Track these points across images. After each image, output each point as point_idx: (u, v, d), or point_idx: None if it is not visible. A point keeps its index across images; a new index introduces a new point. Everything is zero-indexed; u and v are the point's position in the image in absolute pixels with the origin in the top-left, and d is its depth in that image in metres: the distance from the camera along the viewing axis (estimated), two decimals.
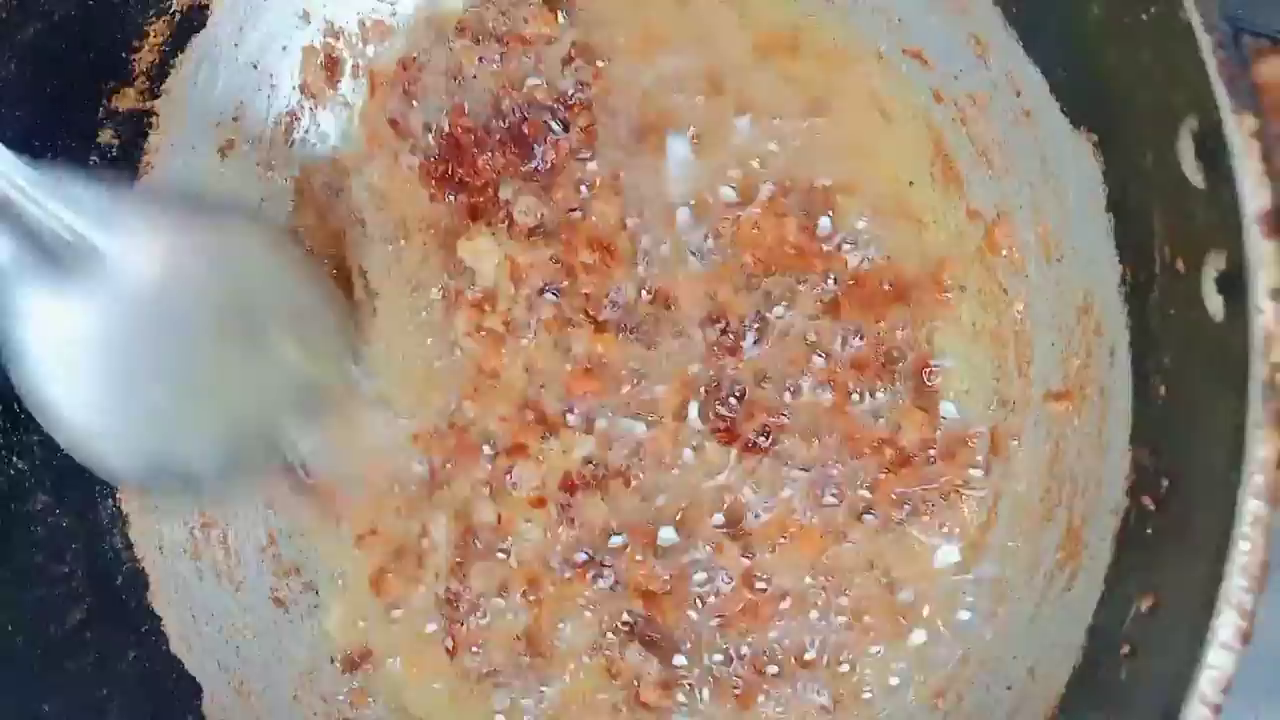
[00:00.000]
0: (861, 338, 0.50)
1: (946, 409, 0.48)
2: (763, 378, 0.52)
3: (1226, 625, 0.27)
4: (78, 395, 0.48)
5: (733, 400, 0.52)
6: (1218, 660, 0.27)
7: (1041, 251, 0.44)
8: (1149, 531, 0.34)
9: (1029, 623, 0.42)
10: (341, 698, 0.57)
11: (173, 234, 0.49)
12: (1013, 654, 0.42)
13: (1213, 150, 0.29)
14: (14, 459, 0.53)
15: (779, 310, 0.52)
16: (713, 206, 0.54)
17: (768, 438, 0.51)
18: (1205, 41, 0.29)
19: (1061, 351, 0.42)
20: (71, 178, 0.45)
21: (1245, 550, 0.27)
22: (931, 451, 0.48)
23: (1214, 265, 0.30)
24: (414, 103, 0.57)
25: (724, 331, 0.53)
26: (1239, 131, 0.28)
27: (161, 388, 0.50)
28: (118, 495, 0.57)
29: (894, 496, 0.49)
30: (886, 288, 0.50)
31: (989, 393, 0.47)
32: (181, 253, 0.49)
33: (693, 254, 0.54)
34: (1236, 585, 0.27)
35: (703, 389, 0.53)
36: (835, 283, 0.51)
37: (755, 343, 0.52)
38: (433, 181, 0.57)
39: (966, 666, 0.45)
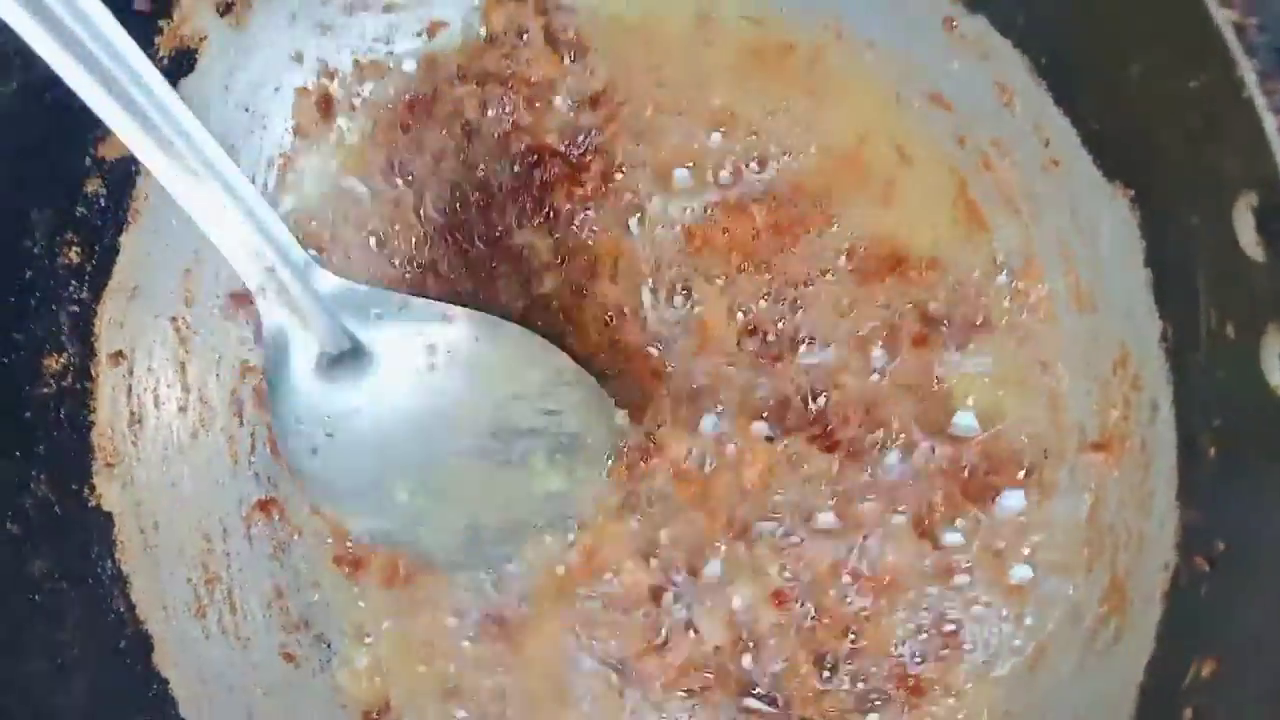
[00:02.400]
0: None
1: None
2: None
3: None
4: (331, 466, 0.53)
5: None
6: None
7: (1073, 302, 0.43)
8: (1203, 592, 0.34)
9: (1073, 677, 0.42)
10: None
11: (438, 338, 0.52)
12: (1055, 705, 0.42)
13: (1276, 229, 0.29)
14: (8, 525, 0.51)
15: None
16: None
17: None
18: (1269, 123, 0.28)
19: (1098, 403, 0.42)
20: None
21: None
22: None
23: (1276, 339, 0.30)
24: (418, 148, 0.56)
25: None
26: None
27: (409, 480, 0.53)
28: (117, 556, 0.55)
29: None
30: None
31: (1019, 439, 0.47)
32: (446, 358, 0.52)
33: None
34: None
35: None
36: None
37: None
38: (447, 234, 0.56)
39: (1010, 718, 0.45)
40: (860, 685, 0.48)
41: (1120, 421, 0.40)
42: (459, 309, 0.53)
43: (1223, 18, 0.30)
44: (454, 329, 0.52)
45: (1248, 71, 0.29)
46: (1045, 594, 0.45)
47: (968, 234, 0.48)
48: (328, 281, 0.51)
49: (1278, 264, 0.30)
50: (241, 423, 0.59)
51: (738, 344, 0.53)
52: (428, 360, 0.52)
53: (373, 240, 0.59)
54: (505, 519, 0.54)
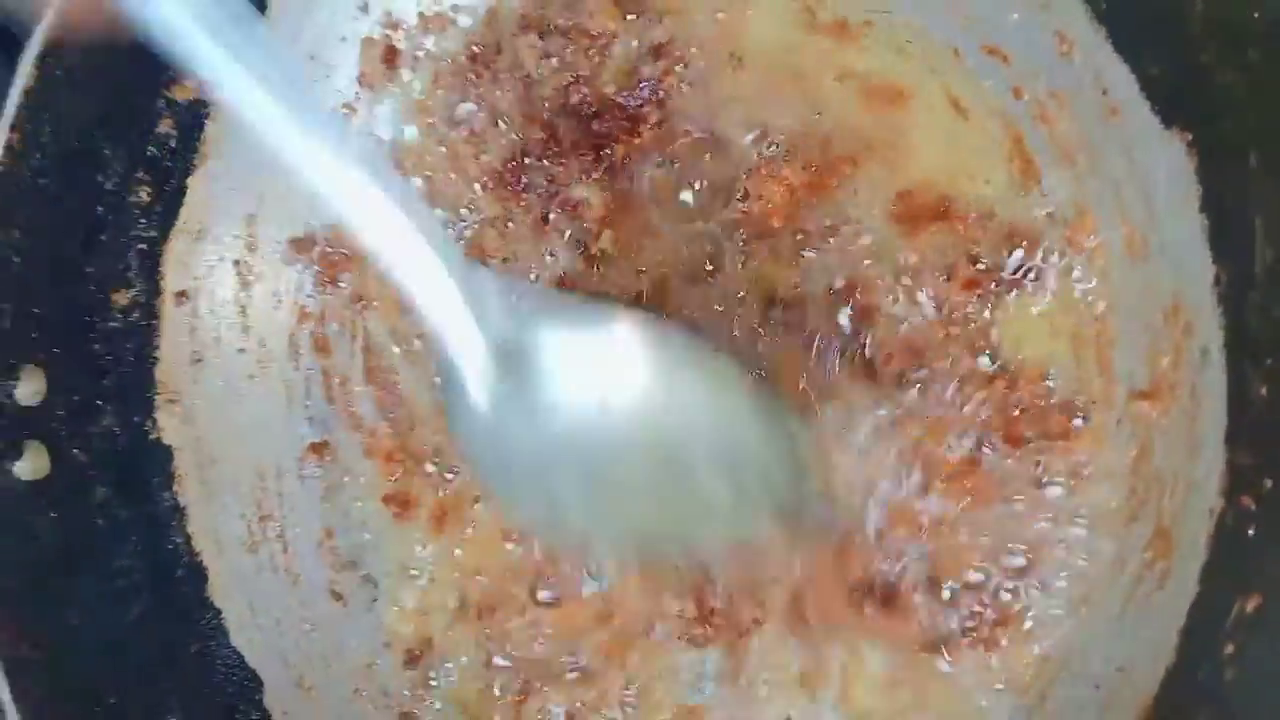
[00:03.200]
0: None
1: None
2: None
3: None
4: (507, 468, 0.50)
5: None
6: None
7: (1126, 251, 0.43)
8: (1250, 532, 0.34)
9: (1115, 621, 0.42)
10: (406, 692, 0.57)
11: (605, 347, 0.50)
12: (1099, 653, 0.42)
13: None
14: (75, 452, 0.52)
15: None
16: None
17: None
18: None
19: (1147, 351, 0.42)
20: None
21: None
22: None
23: None
24: (480, 98, 0.57)
25: None
26: None
27: (578, 487, 0.51)
28: (175, 489, 0.57)
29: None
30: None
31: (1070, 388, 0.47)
32: (613, 365, 0.50)
33: None
34: None
35: None
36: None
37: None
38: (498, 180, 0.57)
39: (1048, 664, 0.45)
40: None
41: (1170, 369, 0.40)
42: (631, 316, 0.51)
43: None
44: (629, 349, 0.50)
45: None
46: (1089, 541, 0.45)
47: (1022, 185, 0.48)
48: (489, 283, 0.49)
49: None
50: (297, 367, 0.61)
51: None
52: (596, 378, 0.50)
53: (431, 191, 0.60)
54: (675, 532, 0.53)
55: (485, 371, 0.48)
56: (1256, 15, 0.32)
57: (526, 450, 0.50)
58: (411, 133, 0.60)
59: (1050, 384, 0.46)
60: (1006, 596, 0.46)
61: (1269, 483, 0.34)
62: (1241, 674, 0.33)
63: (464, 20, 0.59)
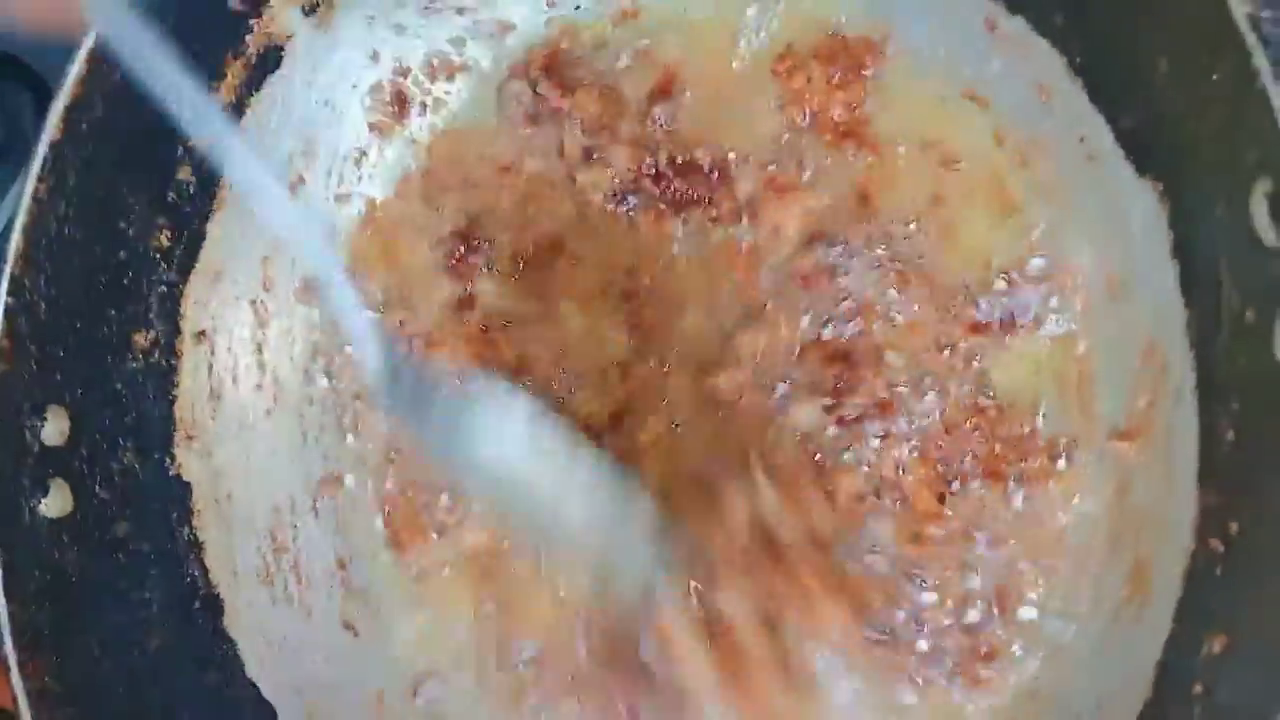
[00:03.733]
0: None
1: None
2: None
3: None
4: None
5: None
6: None
7: (1106, 293, 0.45)
8: (1218, 572, 0.35)
9: (1095, 655, 0.43)
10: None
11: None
12: (1078, 686, 0.43)
13: None
14: (97, 488, 0.54)
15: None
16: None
17: None
18: None
19: (1126, 391, 0.43)
20: None
21: None
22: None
23: None
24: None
25: None
26: None
27: None
28: (194, 523, 0.58)
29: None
30: None
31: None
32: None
33: None
34: None
35: None
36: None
37: None
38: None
39: (1029, 701, 0.46)
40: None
41: (1146, 410, 0.41)
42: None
43: (1240, 11, 0.31)
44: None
45: (1261, 62, 0.30)
46: (1069, 578, 0.46)
47: (1007, 229, 0.49)
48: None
49: None
50: (311, 403, 0.62)
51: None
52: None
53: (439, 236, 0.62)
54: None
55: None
56: (1215, 77, 0.33)
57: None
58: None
59: (1039, 420, 0.48)
60: (986, 632, 0.47)
61: (1235, 526, 0.35)
62: (1206, 713, 0.34)
63: (479, 65, 0.61)
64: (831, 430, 0.52)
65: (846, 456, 0.52)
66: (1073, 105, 0.44)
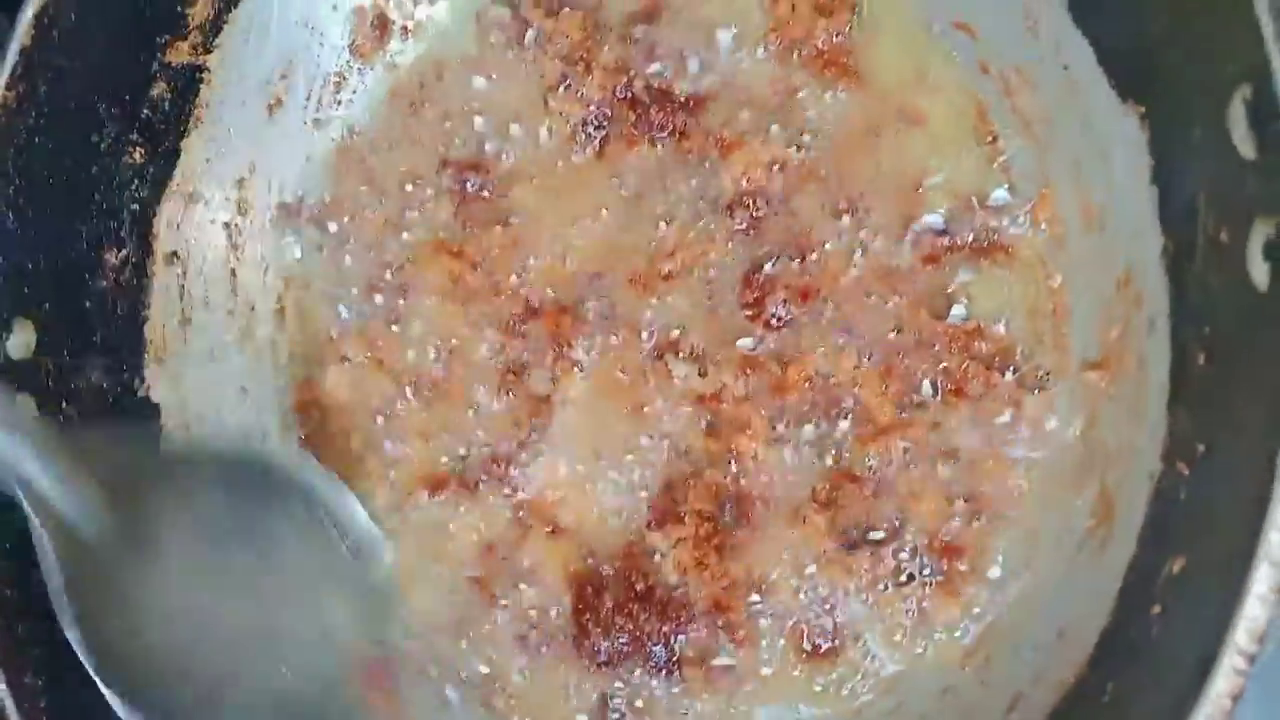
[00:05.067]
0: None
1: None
2: None
3: (1263, 579, 0.28)
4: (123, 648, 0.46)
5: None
6: (1253, 611, 0.28)
7: (1083, 224, 0.44)
8: (1182, 496, 0.35)
9: (1059, 586, 0.43)
10: None
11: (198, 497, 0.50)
12: (1042, 616, 0.43)
13: (1265, 117, 0.30)
14: (63, 404, 0.54)
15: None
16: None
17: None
18: (1261, 6, 0.29)
19: (1099, 322, 0.43)
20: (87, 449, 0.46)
21: None
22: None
23: (1261, 233, 0.31)
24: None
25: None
26: None
27: (205, 647, 0.49)
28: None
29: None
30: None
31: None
32: (208, 517, 0.50)
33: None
34: (1274, 540, 0.28)
35: None
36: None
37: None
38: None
39: (994, 629, 0.46)
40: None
41: (1119, 339, 0.41)
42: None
43: None
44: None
45: None
46: (1037, 506, 0.45)
47: (987, 157, 0.49)
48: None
49: (1265, 156, 0.30)
50: (282, 330, 0.62)
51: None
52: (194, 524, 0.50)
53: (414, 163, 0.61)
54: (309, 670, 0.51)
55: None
56: None
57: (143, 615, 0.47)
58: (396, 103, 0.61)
59: (1012, 347, 0.47)
60: (947, 564, 0.47)
61: (1201, 447, 0.35)
62: (1165, 633, 0.33)
63: None
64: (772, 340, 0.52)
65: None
66: (1058, 31, 0.43)
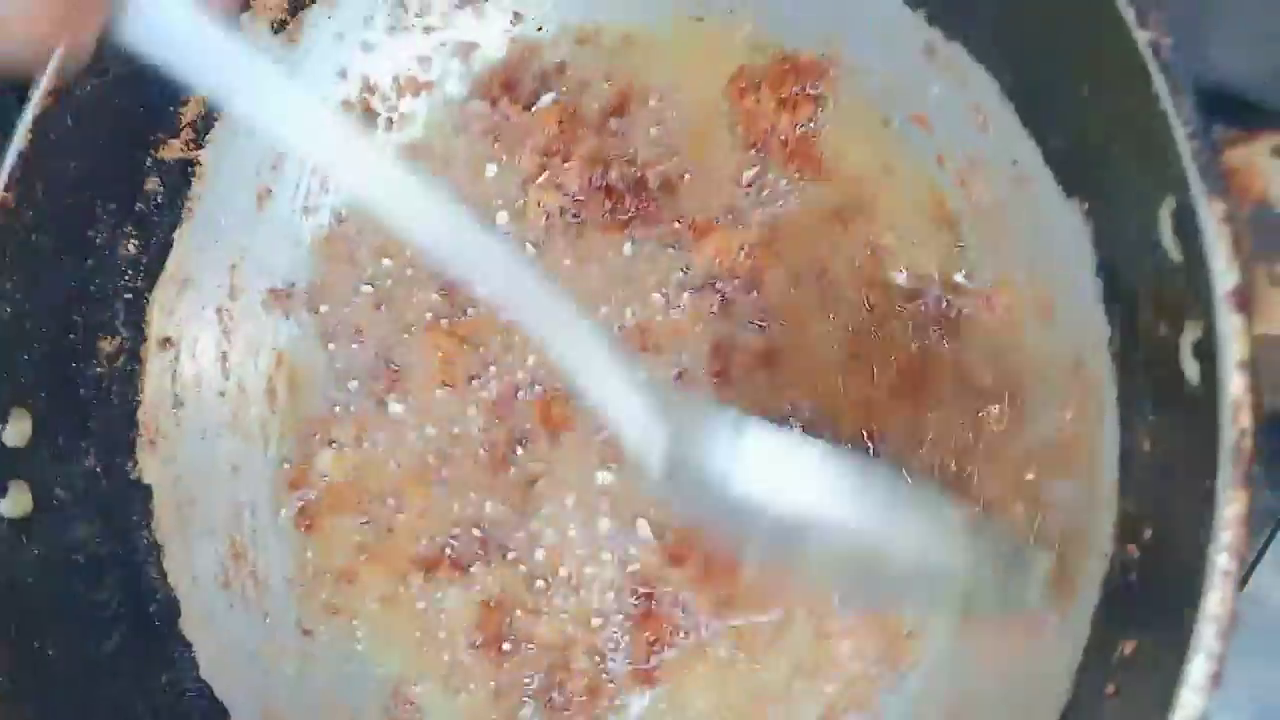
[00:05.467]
0: None
1: None
2: None
3: (1198, 670, 0.29)
4: None
5: None
6: (1189, 700, 0.29)
7: (1036, 313, 0.46)
8: (1132, 578, 0.37)
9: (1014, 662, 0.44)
10: None
11: None
12: (998, 691, 0.44)
13: (1188, 229, 0.32)
14: (57, 490, 0.55)
15: None
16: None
17: None
18: (1179, 132, 0.31)
19: (1056, 406, 0.45)
20: None
21: (1216, 601, 0.29)
22: None
23: (1191, 334, 0.33)
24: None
25: None
26: (1210, 215, 0.31)
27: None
28: (153, 527, 0.59)
29: None
30: None
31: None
32: None
33: None
34: (1206, 632, 0.29)
35: None
36: None
37: None
38: None
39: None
40: None
41: (1073, 424, 0.43)
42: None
43: (1143, 39, 0.33)
44: None
45: (1161, 86, 0.32)
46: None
47: (947, 244, 0.51)
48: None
49: (1191, 264, 0.32)
50: (273, 411, 0.63)
51: None
52: None
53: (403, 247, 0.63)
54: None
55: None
56: (1127, 101, 0.35)
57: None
58: None
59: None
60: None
61: (1148, 532, 0.36)
62: (1118, 711, 0.35)
63: (445, 86, 0.62)
64: None
65: None
66: (1006, 128, 0.46)
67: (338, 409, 0.62)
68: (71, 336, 0.57)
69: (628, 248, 0.58)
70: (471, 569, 0.60)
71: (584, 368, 0.43)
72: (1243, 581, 0.53)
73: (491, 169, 0.61)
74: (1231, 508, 0.29)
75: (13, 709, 0.50)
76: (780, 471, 0.45)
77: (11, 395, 0.53)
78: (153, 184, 0.59)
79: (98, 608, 0.56)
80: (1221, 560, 0.29)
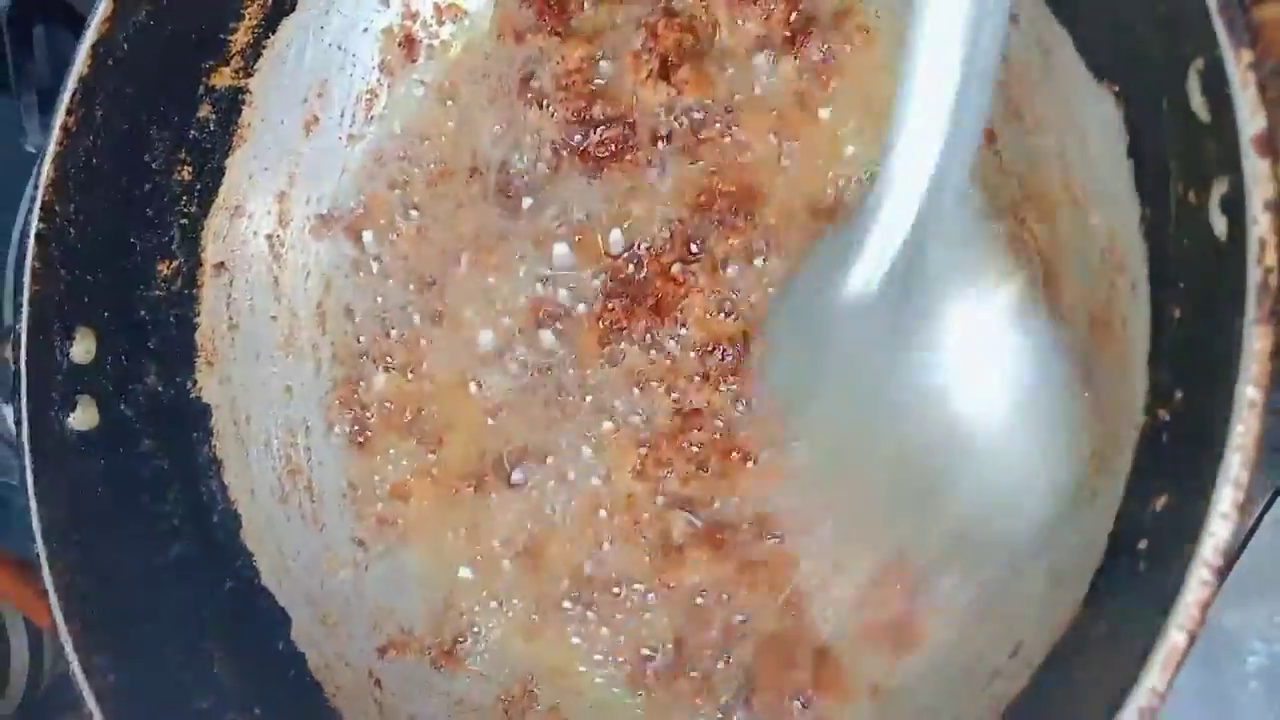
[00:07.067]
0: None
1: None
2: None
3: (1225, 498, 0.30)
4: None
5: None
6: (1217, 529, 0.30)
7: (1069, 200, 0.47)
8: (1165, 440, 0.38)
9: (1051, 535, 0.45)
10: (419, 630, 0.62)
11: None
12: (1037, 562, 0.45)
13: (1216, 85, 0.33)
14: (122, 406, 0.58)
15: None
16: None
17: None
18: None
19: (1090, 288, 0.46)
20: None
21: (1241, 432, 0.30)
22: None
23: (1219, 190, 0.34)
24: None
25: None
26: (1237, 65, 0.32)
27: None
28: (213, 443, 0.62)
29: None
30: None
31: None
32: None
33: None
34: (1233, 461, 0.30)
35: None
36: None
37: None
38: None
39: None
40: None
41: (1106, 303, 0.44)
42: None
43: None
44: None
45: None
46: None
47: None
48: None
49: (1219, 120, 0.33)
50: (324, 333, 0.66)
51: None
52: None
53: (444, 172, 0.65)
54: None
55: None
56: None
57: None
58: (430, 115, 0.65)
59: None
60: None
61: (1179, 394, 0.37)
62: (1151, 566, 0.36)
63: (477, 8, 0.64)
64: None
65: None
66: (1038, 21, 0.46)
67: (388, 331, 0.64)
68: (131, 259, 0.59)
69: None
70: (516, 480, 0.62)
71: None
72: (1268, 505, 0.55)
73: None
74: (1259, 343, 0.30)
75: (85, 605, 0.52)
76: None
77: (77, 313, 0.56)
78: (205, 111, 0.61)
79: (162, 518, 0.59)
80: (1249, 392, 0.30)
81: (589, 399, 0.61)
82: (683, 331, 0.59)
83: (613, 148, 0.60)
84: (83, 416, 0.56)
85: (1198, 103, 0.35)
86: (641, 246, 0.60)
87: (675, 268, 0.59)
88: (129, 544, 0.57)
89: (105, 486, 0.56)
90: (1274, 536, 0.56)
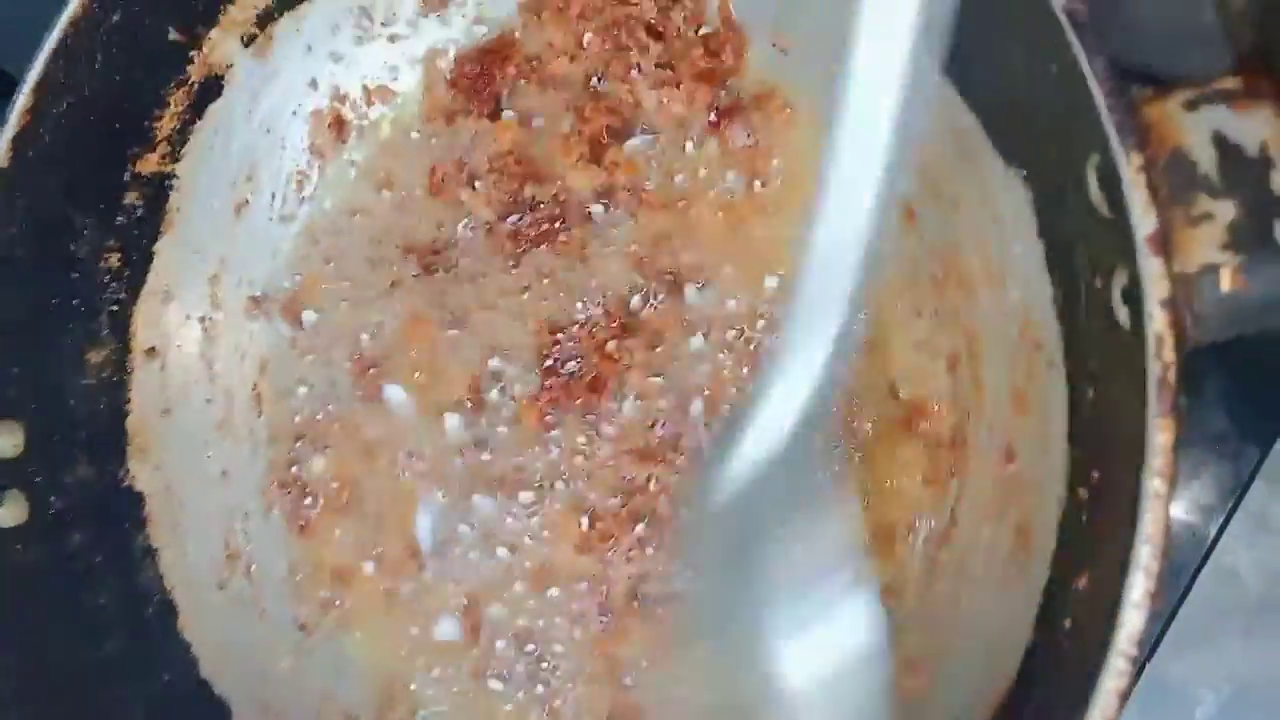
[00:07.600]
0: None
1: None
2: None
3: (1137, 587, 0.31)
4: None
5: None
6: (1129, 619, 0.31)
7: (986, 278, 0.48)
8: (1084, 519, 0.39)
9: (983, 613, 0.46)
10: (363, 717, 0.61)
11: None
12: (964, 638, 0.46)
13: (1111, 183, 0.34)
14: (52, 499, 0.57)
15: None
16: None
17: None
18: (1097, 90, 0.34)
19: (1009, 366, 0.47)
20: None
21: (1149, 521, 0.31)
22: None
23: (1120, 281, 0.35)
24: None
25: None
26: (1128, 167, 0.33)
27: None
28: (148, 531, 0.61)
29: None
30: None
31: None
32: None
33: None
34: (1143, 552, 0.31)
35: None
36: None
37: None
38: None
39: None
40: None
41: (1027, 378, 0.45)
42: None
43: (1059, 5, 0.35)
44: None
45: (1079, 50, 0.34)
46: (964, 545, 0.49)
47: (901, 226, 0.53)
48: None
49: (1116, 215, 0.35)
50: (260, 415, 0.65)
51: None
52: None
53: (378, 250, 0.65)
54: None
55: None
56: (1054, 68, 0.37)
57: None
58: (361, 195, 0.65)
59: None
60: None
61: (1095, 474, 0.38)
62: (1075, 643, 0.37)
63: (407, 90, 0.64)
64: None
65: None
66: (950, 103, 0.48)
67: (324, 412, 0.64)
68: (60, 349, 0.58)
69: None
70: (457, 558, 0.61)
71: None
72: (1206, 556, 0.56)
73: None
74: (1161, 436, 0.31)
75: (12, 710, 0.51)
76: None
77: (4, 407, 0.55)
78: (132, 198, 0.60)
79: (96, 612, 0.57)
80: (1155, 484, 0.31)
81: (529, 475, 0.61)
82: (620, 407, 0.60)
83: (544, 227, 0.60)
84: (12, 512, 0.55)
85: (1097, 197, 0.36)
86: (575, 326, 0.60)
87: (610, 345, 0.59)
88: (61, 640, 0.55)
89: (36, 582, 0.55)
90: (1217, 586, 0.57)
